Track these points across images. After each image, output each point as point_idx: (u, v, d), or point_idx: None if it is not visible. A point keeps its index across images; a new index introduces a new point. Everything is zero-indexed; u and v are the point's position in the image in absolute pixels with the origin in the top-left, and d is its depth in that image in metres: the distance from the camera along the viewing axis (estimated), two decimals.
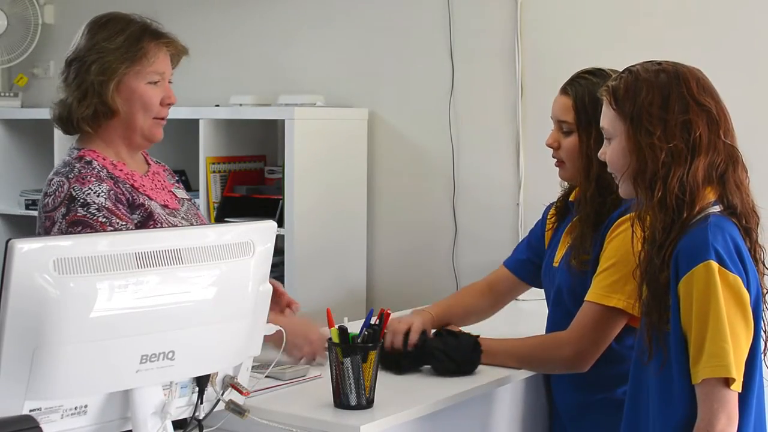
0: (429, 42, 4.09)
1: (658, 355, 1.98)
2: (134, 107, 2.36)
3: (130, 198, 2.32)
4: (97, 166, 2.32)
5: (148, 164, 2.50)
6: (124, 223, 2.25)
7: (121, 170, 2.37)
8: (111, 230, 2.21)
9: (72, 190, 2.27)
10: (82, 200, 2.25)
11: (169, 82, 2.43)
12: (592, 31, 3.75)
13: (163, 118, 2.42)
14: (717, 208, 1.99)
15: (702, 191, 1.98)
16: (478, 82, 4.00)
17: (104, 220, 2.24)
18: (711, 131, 2.00)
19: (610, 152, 2.08)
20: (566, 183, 2.60)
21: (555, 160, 2.54)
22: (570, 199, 2.57)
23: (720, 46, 3.50)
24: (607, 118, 2.08)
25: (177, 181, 2.58)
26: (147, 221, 2.32)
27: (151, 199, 2.37)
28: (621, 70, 2.10)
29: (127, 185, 2.34)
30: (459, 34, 4.02)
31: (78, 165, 2.32)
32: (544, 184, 3.76)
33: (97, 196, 2.26)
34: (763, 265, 2.05)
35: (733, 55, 3.49)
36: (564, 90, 2.49)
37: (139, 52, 2.35)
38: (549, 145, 2.52)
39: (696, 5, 3.57)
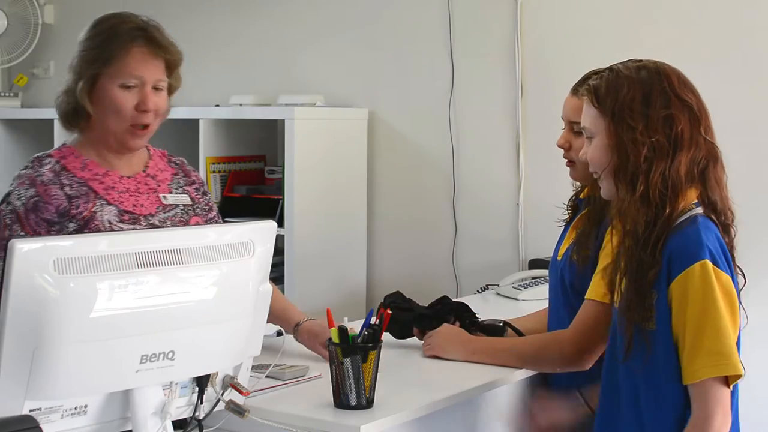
0: (429, 42, 4.09)
1: (639, 354, 1.97)
2: (106, 111, 2.30)
3: (66, 207, 2.25)
4: (46, 169, 2.28)
5: (146, 167, 2.41)
6: (23, 233, 2.22)
7: (90, 170, 2.32)
8: (8, 234, 2.21)
9: (11, 186, 2.29)
10: (8, 198, 2.28)
11: (156, 88, 2.31)
12: (591, 32, 3.75)
13: (142, 126, 2.31)
14: (700, 209, 1.99)
15: (685, 188, 1.98)
16: (478, 82, 4.00)
17: (9, 222, 2.24)
18: (693, 126, 1.99)
19: (591, 151, 2.07)
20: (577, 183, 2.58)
21: (565, 160, 2.51)
22: (581, 196, 2.56)
23: (718, 47, 3.50)
24: (589, 116, 2.07)
25: (188, 184, 2.46)
26: (82, 230, 2.25)
27: (109, 203, 2.29)
28: (602, 70, 2.10)
29: (84, 187, 2.28)
30: (459, 34, 4.02)
31: (30, 165, 2.32)
32: (544, 184, 3.79)
33: (18, 199, 2.26)
34: (735, 263, 2.04)
35: (731, 57, 3.49)
36: (575, 91, 2.46)
37: (112, 53, 2.28)
38: (560, 146, 2.50)
39: (696, 6, 3.57)
